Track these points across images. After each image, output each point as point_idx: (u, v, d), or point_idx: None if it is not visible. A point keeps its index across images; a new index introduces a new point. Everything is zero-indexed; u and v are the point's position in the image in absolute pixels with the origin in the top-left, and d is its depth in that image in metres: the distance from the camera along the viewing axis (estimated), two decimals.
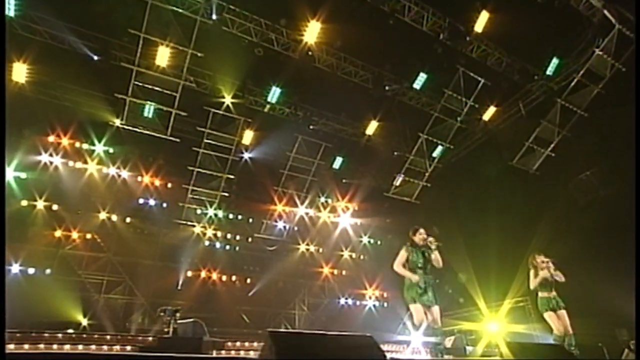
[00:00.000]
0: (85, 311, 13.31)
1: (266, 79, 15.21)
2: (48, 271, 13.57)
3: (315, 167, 16.89)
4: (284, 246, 17.99)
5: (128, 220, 15.31)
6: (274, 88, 15.06)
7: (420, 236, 6.46)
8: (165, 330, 9.29)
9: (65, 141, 14.63)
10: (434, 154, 18.22)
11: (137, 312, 14.47)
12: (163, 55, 13.38)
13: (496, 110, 16.13)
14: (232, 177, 15.59)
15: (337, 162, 18.01)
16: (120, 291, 14.56)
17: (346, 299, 18.90)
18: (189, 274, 15.76)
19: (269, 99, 15.20)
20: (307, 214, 18.78)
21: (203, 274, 16.02)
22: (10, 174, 13.60)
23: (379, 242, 20.70)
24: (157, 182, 16.09)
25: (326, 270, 18.92)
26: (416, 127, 16.80)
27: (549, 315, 7.11)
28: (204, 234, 16.46)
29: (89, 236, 14.51)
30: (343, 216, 19.71)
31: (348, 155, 18.05)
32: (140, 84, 13.56)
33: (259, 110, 15.66)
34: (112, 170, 15.21)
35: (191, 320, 9.01)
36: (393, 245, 19.98)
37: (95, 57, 12.93)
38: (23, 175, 13.89)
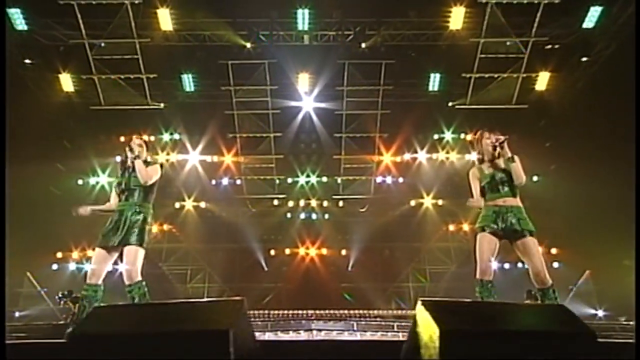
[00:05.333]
0: None
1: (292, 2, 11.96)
2: None
3: (385, 94, 12.63)
4: (385, 204, 14.30)
5: (203, 205, 14.46)
6: (300, 11, 11.69)
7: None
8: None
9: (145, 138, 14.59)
10: (587, 24, 11.60)
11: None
12: (165, 18, 11.76)
13: None
14: (279, 134, 12.91)
15: (434, 81, 13.10)
16: (200, 279, 13.88)
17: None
18: (272, 252, 13.97)
19: (299, 27, 11.91)
20: (414, 158, 14.55)
21: (287, 250, 13.97)
22: (104, 179, 14.09)
23: (534, 179, 14.66)
24: (230, 159, 14.71)
25: (451, 227, 14.34)
26: None
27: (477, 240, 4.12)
28: (286, 205, 14.37)
29: (166, 227, 14.25)
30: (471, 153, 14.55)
31: (446, 71, 12.95)
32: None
33: (297, 45, 12.48)
34: (182, 156, 14.47)
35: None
36: (561, 180, 13.92)
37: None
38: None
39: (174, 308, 1.71)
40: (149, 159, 4.38)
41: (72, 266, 13.20)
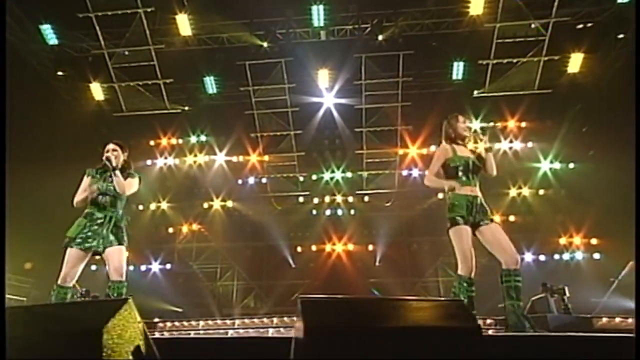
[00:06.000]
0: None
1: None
2: (168, 266, 14.24)
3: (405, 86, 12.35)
4: (412, 197, 14.00)
5: (230, 204, 14.71)
6: (314, 7, 11.63)
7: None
8: None
9: (164, 141, 15.09)
10: None
11: (249, 296, 13.79)
12: (184, 24, 12.02)
13: None
14: (299, 132, 12.92)
15: (458, 70, 12.68)
16: (229, 277, 14.13)
17: (522, 253, 13.37)
18: (299, 249, 14.02)
19: (315, 24, 11.85)
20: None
21: (314, 247, 13.98)
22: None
23: (570, 166, 13.95)
24: (256, 159, 14.87)
25: None
26: None
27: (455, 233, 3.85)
28: (311, 202, 14.39)
29: (195, 227, 14.60)
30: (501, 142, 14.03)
31: (469, 59, 12.49)
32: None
33: (315, 41, 12.43)
34: (208, 157, 14.82)
35: None
36: (598, 167, 13.16)
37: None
38: None
39: (61, 308, 1.74)
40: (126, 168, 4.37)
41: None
